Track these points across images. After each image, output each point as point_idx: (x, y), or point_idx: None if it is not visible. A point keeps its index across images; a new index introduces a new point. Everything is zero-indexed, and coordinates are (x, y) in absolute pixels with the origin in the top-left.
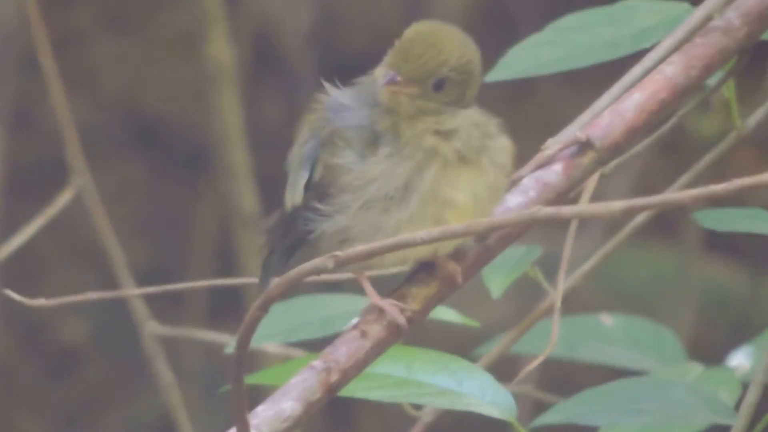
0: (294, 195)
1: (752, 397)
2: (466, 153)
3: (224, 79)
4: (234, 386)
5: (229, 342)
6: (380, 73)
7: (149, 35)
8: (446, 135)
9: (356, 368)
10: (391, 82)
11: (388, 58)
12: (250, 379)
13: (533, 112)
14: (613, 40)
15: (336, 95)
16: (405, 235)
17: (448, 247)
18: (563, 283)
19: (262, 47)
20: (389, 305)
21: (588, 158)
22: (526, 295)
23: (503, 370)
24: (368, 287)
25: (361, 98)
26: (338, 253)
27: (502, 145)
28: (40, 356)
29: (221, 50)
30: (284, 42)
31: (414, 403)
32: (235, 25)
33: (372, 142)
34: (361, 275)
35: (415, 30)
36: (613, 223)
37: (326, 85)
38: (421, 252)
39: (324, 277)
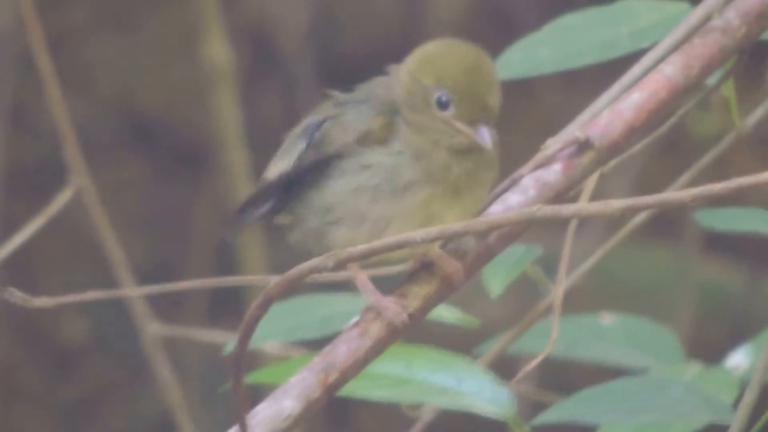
0: (287, 161)
1: (750, 396)
2: (464, 187)
3: (222, 79)
4: (234, 385)
5: (228, 342)
6: (465, 121)
7: (147, 34)
8: (459, 160)
9: (356, 367)
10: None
11: (454, 95)
12: (250, 379)
13: (533, 112)
14: (611, 39)
15: (346, 95)
16: (404, 234)
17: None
18: (563, 282)
19: (260, 47)
20: (389, 304)
21: (587, 158)
22: (525, 295)
23: (503, 369)
24: (367, 286)
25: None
26: (338, 252)
27: (492, 176)
28: (40, 356)
29: (219, 50)
30: (282, 42)
31: (414, 402)
32: (233, 24)
33: (383, 125)
34: (360, 275)
35: (477, 68)
36: (612, 223)
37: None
38: (414, 250)
39: (323, 276)
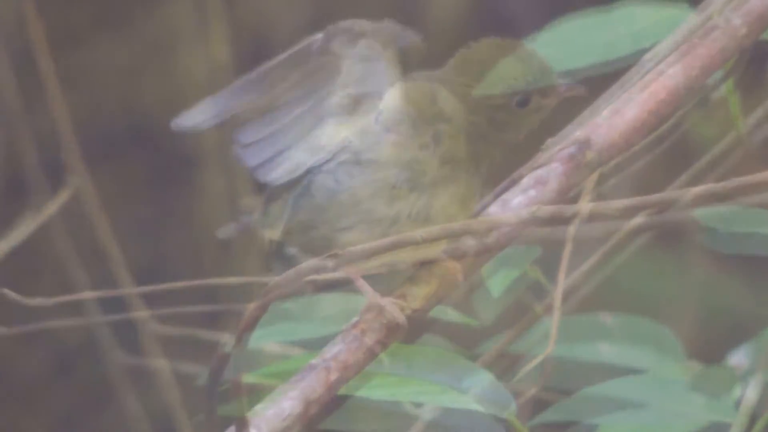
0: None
1: (751, 395)
2: (469, 197)
3: (222, 78)
4: (233, 385)
5: (228, 341)
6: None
7: (147, 34)
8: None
9: (356, 367)
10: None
11: (527, 89)
12: (250, 378)
13: None
14: (612, 40)
15: None
16: (404, 234)
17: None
18: (563, 282)
19: (259, 46)
20: (388, 303)
21: (587, 158)
22: (526, 295)
23: (503, 369)
24: (366, 287)
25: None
26: (337, 252)
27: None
28: (39, 355)
29: (219, 50)
30: (281, 41)
31: (414, 402)
32: (233, 24)
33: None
34: (357, 275)
35: (524, 53)
36: (612, 224)
37: None
38: (409, 255)
39: (323, 276)
